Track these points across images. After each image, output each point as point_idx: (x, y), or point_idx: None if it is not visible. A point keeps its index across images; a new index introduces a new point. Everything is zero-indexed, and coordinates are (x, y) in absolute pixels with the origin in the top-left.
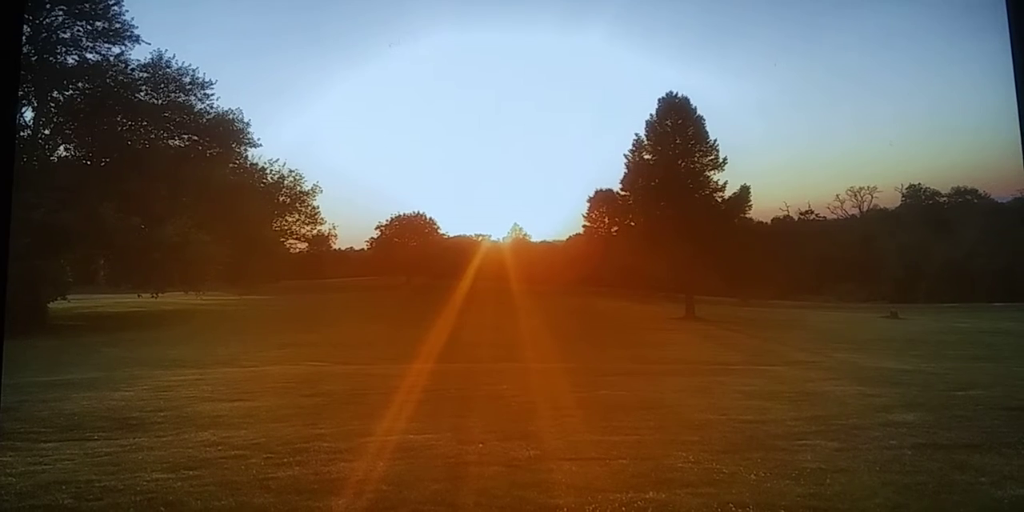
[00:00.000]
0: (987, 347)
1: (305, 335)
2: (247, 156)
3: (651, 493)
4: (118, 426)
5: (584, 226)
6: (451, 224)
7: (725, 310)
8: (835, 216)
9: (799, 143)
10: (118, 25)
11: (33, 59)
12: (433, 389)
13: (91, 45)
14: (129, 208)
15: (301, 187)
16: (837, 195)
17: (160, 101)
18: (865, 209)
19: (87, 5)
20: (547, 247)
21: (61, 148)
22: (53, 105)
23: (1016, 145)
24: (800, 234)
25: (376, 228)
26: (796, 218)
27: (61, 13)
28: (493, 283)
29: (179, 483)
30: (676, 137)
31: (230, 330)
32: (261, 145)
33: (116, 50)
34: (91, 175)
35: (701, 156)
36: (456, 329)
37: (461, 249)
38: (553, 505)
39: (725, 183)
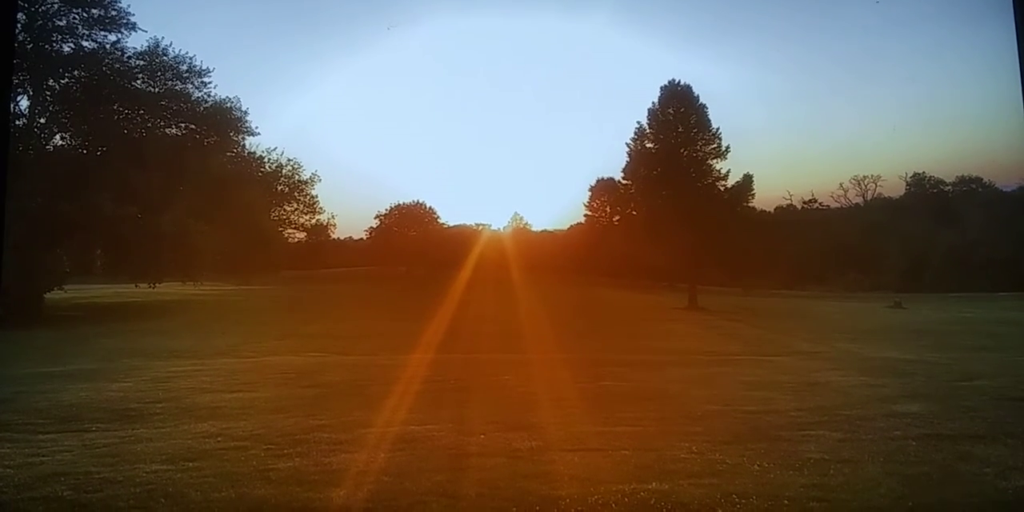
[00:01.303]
0: (992, 337)
1: (305, 325)
2: (245, 145)
3: (654, 484)
4: (117, 417)
5: (585, 215)
6: (451, 213)
7: (728, 300)
8: (839, 205)
9: (802, 131)
10: (114, 13)
11: (29, 47)
12: (434, 380)
13: (87, 33)
14: (126, 197)
15: (299, 176)
16: (840, 184)
17: (157, 89)
18: (869, 198)
19: None
20: (548, 236)
21: (57, 137)
22: (49, 93)
23: (1021, 133)
24: (803, 223)
25: (376, 217)
26: (799, 207)
27: (57, 1)
28: (494, 273)
29: (179, 474)
30: (678, 125)
31: (229, 320)
32: (259, 134)
33: (112, 38)
34: (88, 164)
35: (703, 145)
36: (456, 319)
37: (461, 238)
38: (555, 496)
39: (728, 172)
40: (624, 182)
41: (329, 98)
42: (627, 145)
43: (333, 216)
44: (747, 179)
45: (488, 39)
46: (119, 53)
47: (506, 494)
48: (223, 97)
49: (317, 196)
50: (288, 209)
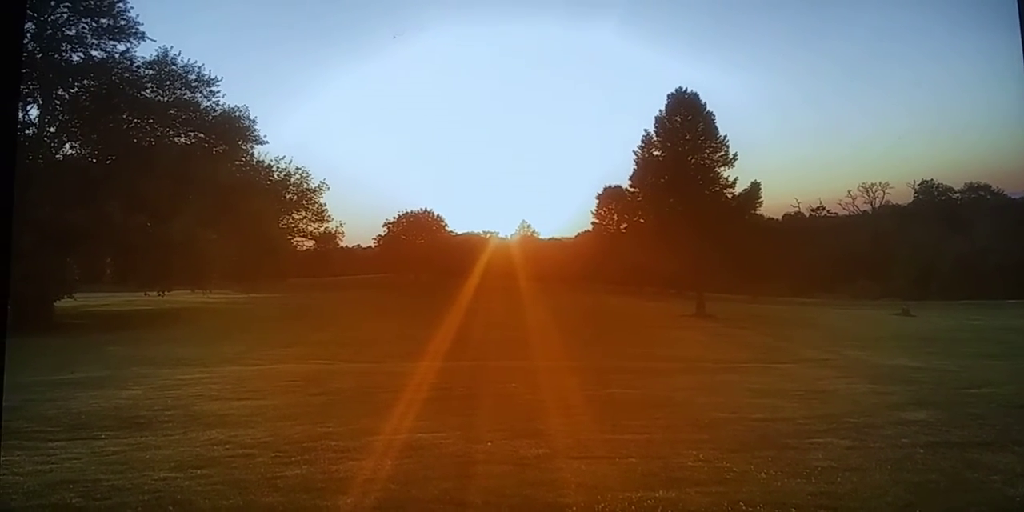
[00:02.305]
0: (1000, 344)
1: (312, 333)
2: (253, 153)
3: (661, 492)
4: (125, 425)
5: (593, 223)
6: (459, 221)
7: (736, 307)
8: (847, 212)
9: (810, 139)
10: (123, 22)
11: (38, 56)
12: (441, 387)
13: (96, 42)
14: (135, 206)
15: (308, 184)
16: (849, 191)
17: (166, 98)
18: (877, 205)
19: (92, 2)
20: (556, 244)
21: (67, 146)
22: (58, 103)
23: None
24: (811, 231)
25: (384, 225)
26: (807, 215)
27: (66, 10)
28: (501, 281)
29: (187, 482)
30: (686, 133)
31: (237, 328)
32: (267, 142)
33: (121, 47)
34: (97, 173)
35: (711, 152)
36: (464, 327)
37: (469, 246)
38: (562, 504)
39: (735, 179)
40: (631, 190)
41: (337, 106)
42: (634, 153)
43: (341, 224)
44: (755, 187)
45: (495, 47)
46: (128, 62)
47: (513, 502)
48: (231, 106)
49: (325, 204)
50: (296, 217)
